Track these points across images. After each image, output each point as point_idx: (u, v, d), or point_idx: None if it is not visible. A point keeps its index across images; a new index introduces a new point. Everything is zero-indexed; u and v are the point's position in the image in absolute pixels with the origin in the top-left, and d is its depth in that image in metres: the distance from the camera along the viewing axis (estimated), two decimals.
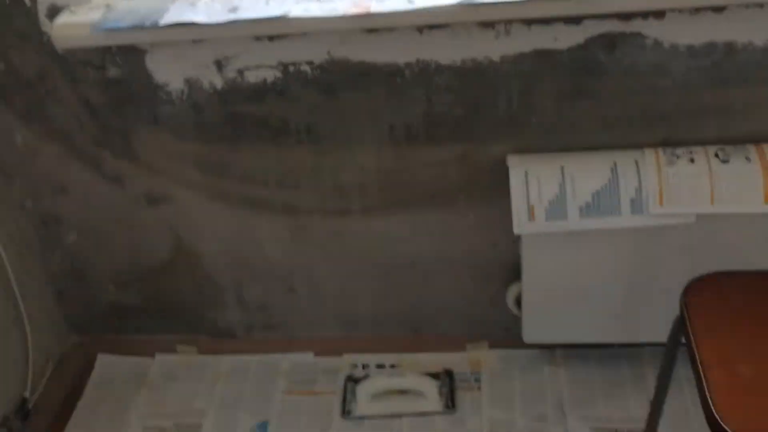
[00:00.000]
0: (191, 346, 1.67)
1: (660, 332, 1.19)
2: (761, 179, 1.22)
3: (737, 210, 1.24)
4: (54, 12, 1.22)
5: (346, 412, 1.52)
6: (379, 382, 1.54)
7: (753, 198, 1.23)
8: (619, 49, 1.20)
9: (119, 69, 1.29)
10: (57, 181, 1.45)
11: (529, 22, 1.18)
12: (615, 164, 1.27)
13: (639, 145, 1.28)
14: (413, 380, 1.54)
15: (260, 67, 1.27)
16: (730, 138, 1.26)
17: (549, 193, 1.27)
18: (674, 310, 1.12)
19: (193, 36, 1.20)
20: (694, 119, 1.26)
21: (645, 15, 1.16)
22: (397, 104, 1.29)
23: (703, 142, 1.27)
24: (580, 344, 1.55)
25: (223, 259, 1.54)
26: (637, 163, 1.26)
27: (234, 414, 1.54)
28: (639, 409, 1.42)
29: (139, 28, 1.16)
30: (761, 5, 1.13)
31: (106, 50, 1.27)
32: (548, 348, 1.58)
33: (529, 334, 1.48)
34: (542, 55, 1.21)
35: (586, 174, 1.27)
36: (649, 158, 1.26)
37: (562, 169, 1.28)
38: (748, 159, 1.23)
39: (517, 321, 1.50)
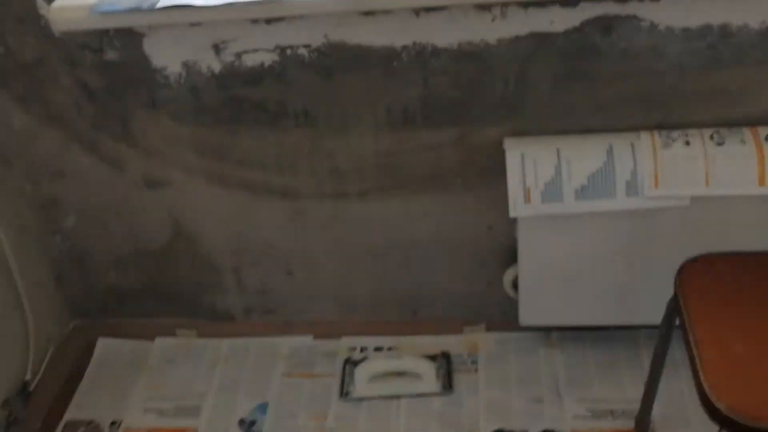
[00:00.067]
0: (190, 330, 1.68)
1: (655, 315, 1.20)
2: (756, 162, 1.23)
3: (732, 192, 1.25)
4: None
5: (344, 394, 1.53)
6: (377, 364, 1.55)
7: (747, 180, 1.23)
8: (615, 32, 1.20)
9: (117, 52, 1.29)
10: (55, 166, 1.46)
11: (525, 4, 1.19)
12: (610, 147, 1.27)
13: (635, 128, 1.29)
14: (411, 362, 1.55)
15: (258, 51, 1.27)
16: (725, 121, 1.27)
17: (545, 175, 1.28)
18: (669, 293, 1.13)
19: (190, 19, 1.21)
20: (690, 102, 1.27)
21: None
22: (393, 87, 1.29)
23: (699, 125, 1.28)
24: (575, 327, 1.57)
25: (222, 242, 1.55)
26: (632, 145, 1.27)
27: (233, 396, 1.55)
28: (634, 391, 1.43)
29: (136, 10, 1.16)
30: None
31: (104, 33, 1.27)
32: (544, 330, 1.59)
33: (526, 317, 1.50)
34: (538, 38, 1.22)
35: (581, 156, 1.28)
36: (645, 141, 1.27)
37: (558, 151, 1.28)
38: (742, 141, 1.24)
39: (513, 304, 1.51)
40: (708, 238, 1.21)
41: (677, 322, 1.10)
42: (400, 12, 1.21)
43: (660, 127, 1.29)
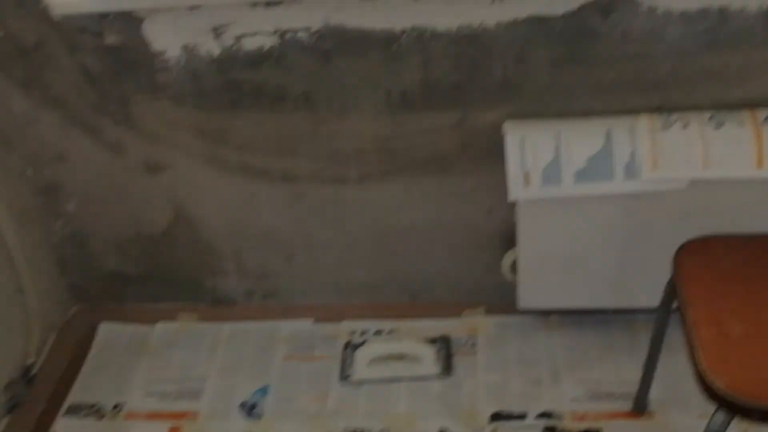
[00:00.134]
0: (192, 314, 1.69)
1: (653, 298, 1.21)
2: (753, 144, 1.23)
3: (730, 174, 1.25)
4: None
5: (344, 377, 1.54)
6: (377, 347, 1.56)
7: (745, 163, 1.24)
8: (614, 15, 1.21)
9: (117, 36, 1.29)
10: (56, 150, 1.46)
11: None
12: (609, 130, 1.28)
13: (633, 111, 1.29)
14: (410, 345, 1.56)
15: (257, 35, 1.27)
16: (723, 103, 1.27)
17: (544, 158, 1.29)
18: (667, 276, 1.13)
19: (189, 2, 1.21)
20: (688, 85, 1.27)
21: None
22: (393, 71, 1.30)
23: (697, 108, 1.28)
24: (574, 310, 1.58)
25: (223, 226, 1.55)
26: (631, 128, 1.27)
27: (234, 379, 1.56)
28: (632, 373, 1.44)
29: None
30: None
31: (104, 17, 1.27)
32: (543, 314, 1.60)
33: (525, 300, 1.51)
34: (537, 22, 1.22)
35: (580, 140, 1.28)
36: (643, 124, 1.27)
37: (558, 134, 1.29)
38: (741, 124, 1.24)
39: (512, 287, 1.52)
40: (706, 220, 1.22)
41: (675, 305, 1.11)
42: None
43: (658, 109, 1.29)
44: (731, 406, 0.94)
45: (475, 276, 1.57)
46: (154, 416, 1.51)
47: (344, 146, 1.40)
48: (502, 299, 1.58)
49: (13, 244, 1.49)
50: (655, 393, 1.42)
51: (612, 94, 1.29)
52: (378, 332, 1.63)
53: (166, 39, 1.29)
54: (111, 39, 1.30)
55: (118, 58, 1.32)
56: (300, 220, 1.52)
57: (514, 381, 1.50)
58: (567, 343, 1.55)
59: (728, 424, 0.96)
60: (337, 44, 1.27)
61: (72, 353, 1.64)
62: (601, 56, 1.25)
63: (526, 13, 1.21)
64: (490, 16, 1.22)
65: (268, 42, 1.28)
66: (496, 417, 1.44)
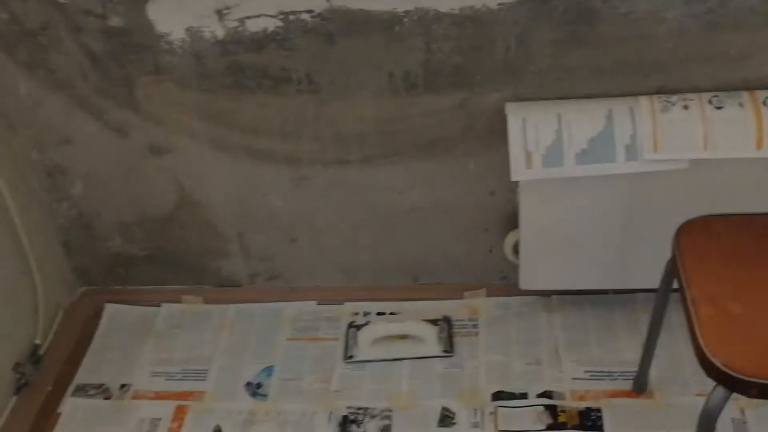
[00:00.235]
0: (196, 296, 1.71)
1: (653, 279, 1.22)
2: (754, 125, 1.24)
3: (730, 155, 1.26)
4: None
5: (348, 357, 1.56)
6: (380, 327, 1.58)
7: (745, 143, 1.25)
8: None
9: (121, 18, 1.30)
10: (61, 132, 1.47)
11: None
12: (610, 111, 1.28)
13: (634, 93, 1.30)
14: (413, 326, 1.57)
15: (260, 16, 1.28)
16: (724, 85, 1.28)
17: (546, 140, 1.29)
18: (667, 257, 1.14)
19: None
20: (689, 66, 1.27)
21: None
22: (396, 53, 1.30)
23: (698, 89, 1.28)
24: (575, 291, 1.59)
25: (227, 209, 1.57)
26: (631, 110, 1.28)
27: (240, 360, 1.58)
28: (632, 353, 1.46)
29: None
30: None
31: None
32: (544, 295, 1.61)
33: (526, 281, 1.52)
34: (539, 3, 1.22)
35: (582, 121, 1.29)
36: (644, 105, 1.28)
37: (559, 116, 1.29)
38: (741, 105, 1.25)
39: (514, 268, 1.53)
40: (706, 201, 1.22)
41: (675, 285, 1.12)
42: None
43: (659, 91, 1.30)
44: (730, 382, 0.95)
45: (476, 257, 1.58)
46: (160, 396, 1.53)
47: (347, 128, 1.41)
48: (503, 281, 1.60)
49: (19, 227, 1.50)
50: (654, 372, 1.43)
51: (613, 76, 1.29)
52: (380, 313, 1.64)
53: (170, 21, 1.30)
54: (115, 21, 1.30)
55: (122, 41, 1.33)
56: (303, 202, 1.53)
57: (516, 361, 1.52)
58: (568, 324, 1.57)
59: (726, 400, 0.97)
60: (340, 26, 1.27)
61: (78, 334, 1.66)
62: (603, 37, 1.25)
63: None
64: None
65: (271, 24, 1.28)
66: (498, 396, 1.45)
